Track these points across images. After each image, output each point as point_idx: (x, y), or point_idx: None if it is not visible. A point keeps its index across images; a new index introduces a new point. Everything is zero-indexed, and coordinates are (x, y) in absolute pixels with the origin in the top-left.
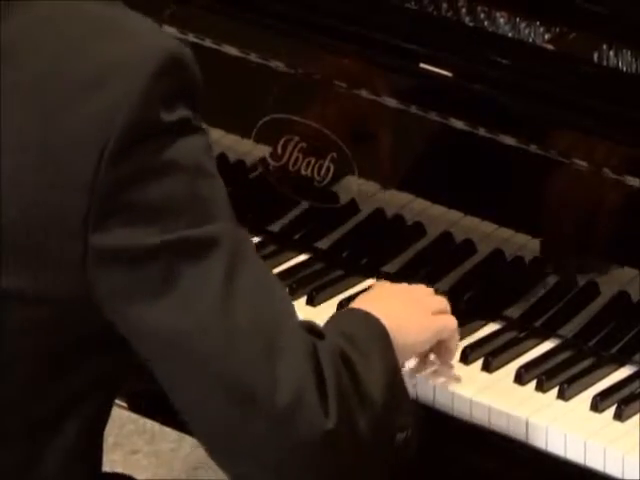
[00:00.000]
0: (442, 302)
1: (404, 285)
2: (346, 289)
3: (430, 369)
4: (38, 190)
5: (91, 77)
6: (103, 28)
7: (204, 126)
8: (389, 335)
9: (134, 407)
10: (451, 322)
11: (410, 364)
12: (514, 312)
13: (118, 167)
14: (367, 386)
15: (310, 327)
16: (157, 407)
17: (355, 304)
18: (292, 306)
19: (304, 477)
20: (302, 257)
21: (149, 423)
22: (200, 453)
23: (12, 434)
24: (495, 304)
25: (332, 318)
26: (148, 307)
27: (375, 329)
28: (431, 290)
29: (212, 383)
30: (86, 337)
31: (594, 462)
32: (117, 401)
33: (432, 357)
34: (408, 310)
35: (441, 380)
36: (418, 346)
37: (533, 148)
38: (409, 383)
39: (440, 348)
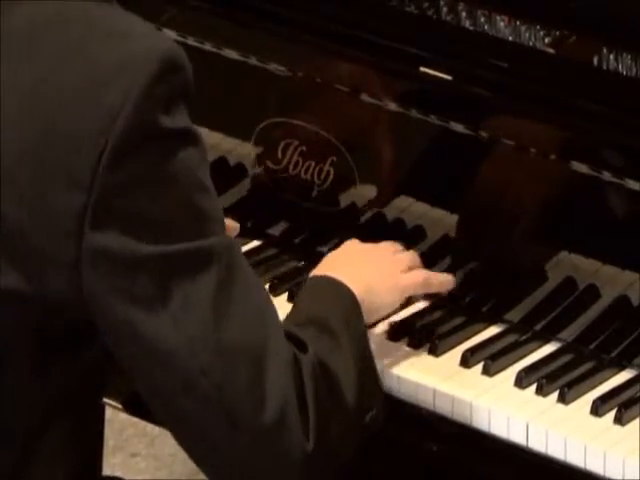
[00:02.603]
0: (411, 257)
1: (371, 245)
2: None
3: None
4: (36, 190)
5: (90, 80)
6: (101, 30)
7: (199, 134)
8: (358, 303)
9: (134, 410)
10: (416, 277)
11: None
12: (514, 316)
13: (116, 170)
14: (343, 392)
15: (293, 336)
16: None
17: (323, 266)
18: (278, 319)
19: None
20: (302, 260)
21: (149, 426)
22: None
23: (1, 436)
24: (495, 307)
25: (305, 291)
26: (136, 318)
27: (344, 301)
28: (399, 247)
29: (199, 399)
30: (73, 334)
31: (594, 466)
32: (117, 404)
33: None
34: (377, 270)
35: (443, 383)
36: (387, 307)
37: (533, 151)
38: (410, 388)
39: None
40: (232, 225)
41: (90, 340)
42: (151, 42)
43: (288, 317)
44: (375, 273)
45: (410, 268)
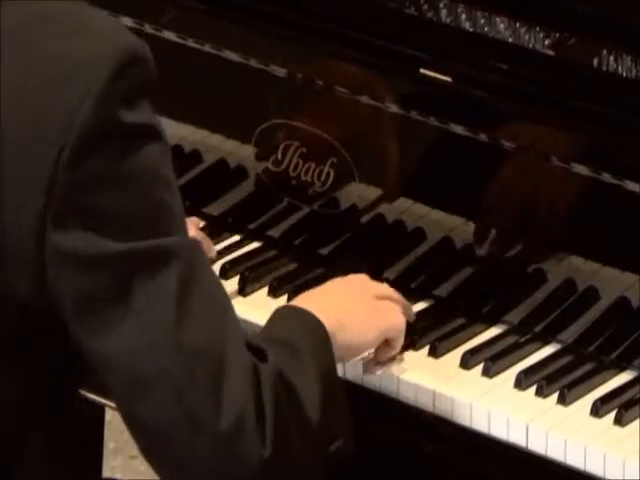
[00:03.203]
0: (385, 287)
1: (344, 278)
2: None
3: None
4: (0, 190)
5: (52, 78)
6: (65, 28)
7: (161, 129)
8: (327, 335)
9: None
10: (399, 321)
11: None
12: (514, 317)
13: (76, 168)
14: (304, 406)
15: (254, 346)
16: None
17: (296, 300)
18: (239, 325)
19: None
20: (302, 262)
21: None
22: None
23: None
24: (495, 309)
25: (271, 319)
26: (98, 318)
27: (312, 330)
28: (368, 279)
29: (158, 397)
30: (45, 331)
31: (594, 467)
32: (109, 402)
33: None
34: (351, 304)
35: (443, 385)
36: (362, 345)
37: (532, 153)
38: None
39: (385, 345)
40: (208, 244)
41: (62, 337)
42: (111, 38)
43: (251, 337)
44: (349, 307)
45: (386, 297)
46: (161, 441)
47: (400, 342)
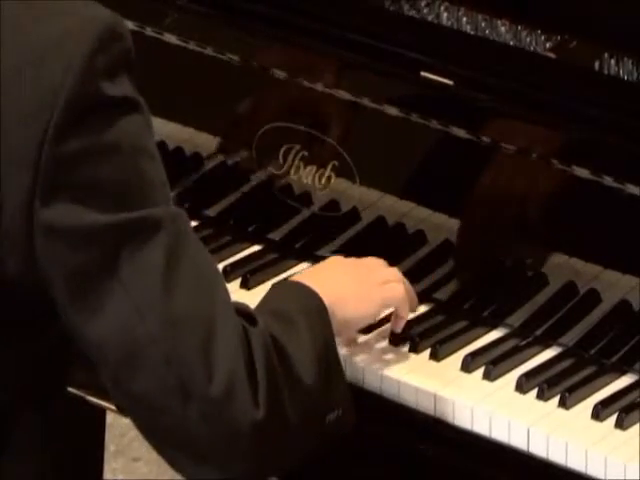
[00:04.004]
0: (393, 273)
1: (354, 259)
2: None
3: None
4: None
5: (32, 56)
6: (38, 6)
7: (142, 101)
8: (325, 307)
9: None
10: (398, 291)
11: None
12: (515, 320)
13: (63, 143)
14: (298, 369)
15: (243, 311)
16: None
17: (299, 277)
18: (227, 291)
19: (233, 464)
20: (303, 265)
21: None
22: None
23: None
24: (496, 312)
25: (269, 292)
26: (87, 293)
27: (308, 302)
28: (382, 262)
29: (150, 367)
30: (31, 315)
31: (596, 471)
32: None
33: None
34: (352, 282)
35: (444, 388)
36: (361, 319)
37: (533, 156)
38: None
39: (394, 318)
40: None
41: (48, 323)
42: (89, 13)
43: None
44: (350, 284)
45: (389, 281)
46: (155, 412)
47: (406, 310)
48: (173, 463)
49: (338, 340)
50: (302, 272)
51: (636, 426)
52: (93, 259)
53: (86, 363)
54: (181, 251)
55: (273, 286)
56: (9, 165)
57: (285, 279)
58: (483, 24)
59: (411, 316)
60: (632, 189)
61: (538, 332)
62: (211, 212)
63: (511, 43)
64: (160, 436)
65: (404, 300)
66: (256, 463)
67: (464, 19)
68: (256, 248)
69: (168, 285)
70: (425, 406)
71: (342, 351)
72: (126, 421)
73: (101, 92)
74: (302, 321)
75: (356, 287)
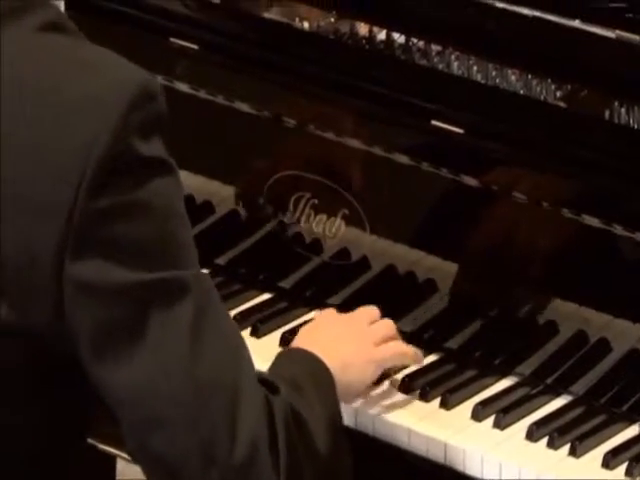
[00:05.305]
0: (388, 326)
1: (347, 315)
2: None
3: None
4: (19, 223)
5: (66, 111)
6: (78, 61)
7: (174, 164)
8: (332, 376)
9: None
10: (395, 349)
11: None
12: (525, 369)
13: (95, 199)
14: (313, 437)
15: (265, 379)
16: None
17: (299, 341)
18: (250, 358)
19: None
20: (314, 313)
21: None
22: None
23: None
24: (506, 361)
25: (277, 361)
26: (114, 350)
27: (317, 372)
28: (375, 314)
29: (171, 428)
30: (55, 367)
31: None
32: (127, 456)
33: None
34: (352, 343)
35: (454, 436)
36: (362, 383)
37: (546, 205)
38: (422, 441)
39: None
40: None
41: (71, 378)
42: (125, 72)
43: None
44: (349, 346)
45: (386, 339)
46: (174, 473)
47: (407, 361)
48: None
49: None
50: (300, 331)
51: None
52: (121, 316)
53: (97, 412)
54: (208, 315)
55: (280, 354)
56: (42, 218)
57: (292, 347)
58: (494, 73)
59: (421, 365)
60: None
61: (548, 381)
62: (221, 260)
63: (521, 92)
64: None
65: (402, 356)
66: None
67: (475, 68)
68: (266, 296)
69: (194, 347)
70: (435, 454)
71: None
72: (136, 469)
73: (135, 150)
74: (313, 390)
75: (356, 349)
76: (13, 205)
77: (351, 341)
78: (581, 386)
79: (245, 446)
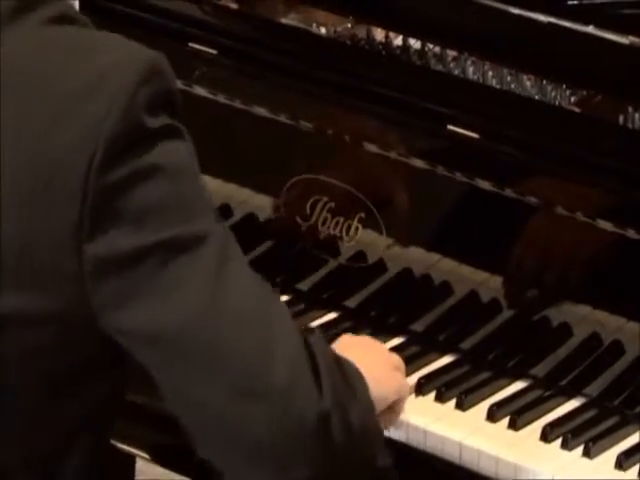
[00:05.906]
0: (399, 359)
1: (366, 338)
2: None
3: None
4: (34, 206)
5: (75, 91)
6: (83, 46)
7: (184, 130)
8: (367, 384)
9: (163, 462)
10: (407, 382)
11: None
12: (540, 371)
13: (107, 175)
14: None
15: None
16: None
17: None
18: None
19: (295, 463)
20: (331, 315)
21: (177, 477)
22: None
23: (11, 469)
24: (521, 363)
25: None
26: (143, 306)
27: (359, 376)
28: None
29: (211, 371)
30: (84, 361)
31: None
32: (145, 455)
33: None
34: (379, 364)
35: (469, 437)
36: (385, 400)
37: (560, 210)
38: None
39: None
40: None
41: (104, 370)
42: (132, 50)
43: None
44: (375, 366)
45: (399, 369)
46: (213, 414)
47: (403, 405)
48: (227, 468)
49: None
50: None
51: None
52: (144, 277)
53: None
54: (230, 257)
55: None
56: (58, 204)
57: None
58: (509, 78)
59: (437, 366)
60: None
61: (563, 382)
62: None
63: (536, 97)
64: (217, 440)
65: (408, 393)
66: (314, 470)
67: (490, 73)
68: (284, 299)
69: (221, 290)
70: (451, 454)
71: None
72: (156, 468)
73: (144, 125)
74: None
75: (380, 369)
76: (29, 188)
77: (374, 360)
78: (595, 388)
79: (284, 373)
